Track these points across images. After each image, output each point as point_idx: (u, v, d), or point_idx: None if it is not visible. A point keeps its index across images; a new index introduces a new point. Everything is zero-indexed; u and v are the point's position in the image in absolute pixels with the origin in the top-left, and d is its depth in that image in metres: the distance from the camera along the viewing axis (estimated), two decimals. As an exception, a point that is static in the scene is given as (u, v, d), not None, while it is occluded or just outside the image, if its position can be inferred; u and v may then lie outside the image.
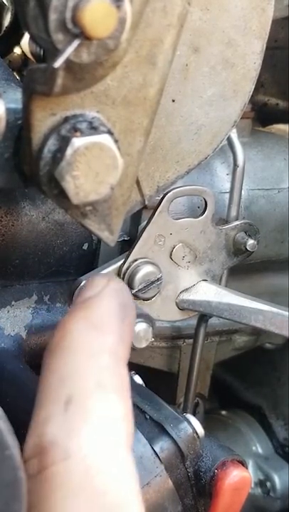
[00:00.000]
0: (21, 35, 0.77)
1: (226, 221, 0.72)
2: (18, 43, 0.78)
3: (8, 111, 0.45)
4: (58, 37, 0.38)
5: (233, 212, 0.72)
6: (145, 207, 0.59)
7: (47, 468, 0.38)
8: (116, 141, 0.44)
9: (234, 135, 0.72)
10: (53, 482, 0.38)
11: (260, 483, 0.96)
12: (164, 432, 0.55)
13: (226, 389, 1.05)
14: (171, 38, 0.45)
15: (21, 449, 0.39)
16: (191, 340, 0.77)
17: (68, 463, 0.39)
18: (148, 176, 0.56)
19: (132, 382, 0.62)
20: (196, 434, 0.56)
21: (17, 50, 0.79)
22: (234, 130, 0.70)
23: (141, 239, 0.63)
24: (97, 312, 0.45)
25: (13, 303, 0.65)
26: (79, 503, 0.38)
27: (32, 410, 0.44)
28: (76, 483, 0.38)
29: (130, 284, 0.62)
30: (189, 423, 0.57)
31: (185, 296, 0.67)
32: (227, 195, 0.73)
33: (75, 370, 0.42)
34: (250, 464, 0.97)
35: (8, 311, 0.65)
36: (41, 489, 0.38)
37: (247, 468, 0.57)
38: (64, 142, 0.43)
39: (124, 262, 0.62)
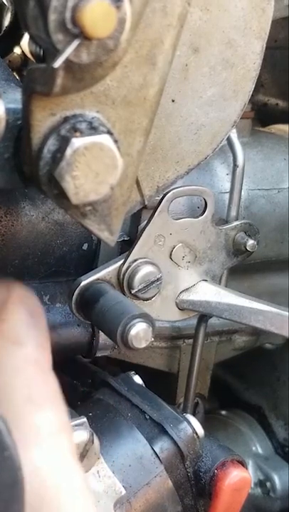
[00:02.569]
0: (21, 35, 0.77)
1: (226, 221, 0.72)
2: (18, 43, 0.78)
3: (8, 111, 0.45)
4: (58, 37, 0.38)
5: (233, 213, 0.72)
6: (145, 207, 0.59)
7: None
8: (116, 141, 0.44)
9: (234, 135, 0.72)
10: None
11: (260, 484, 0.96)
12: (164, 432, 0.55)
13: (226, 389, 1.05)
14: (171, 38, 0.45)
15: None
16: (191, 341, 0.77)
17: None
18: (148, 176, 0.56)
19: (132, 382, 0.62)
20: (196, 434, 0.57)
21: (17, 50, 0.80)
22: (234, 130, 0.70)
23: (141, 239, 0.63)
24: (9, 325, 0.45)
25: (13, 303, 0.65)
26: None
27: None
28: (33, 499, 0.38)
29: (130, 284, 0.62)
30: (189, 423, 0.57)
31: (185, 296, 0.67)
32: (227, 195, 0.73)
33: (4, 388, 0.42)
34: (250, 464, 0.96)
35: (8, 311, 0.65)
36: None
37: (247, 468, 0.57)
38: (64, 142, 0.43)
39: (124, 262, 0.62)
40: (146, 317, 0.54)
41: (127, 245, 0.68)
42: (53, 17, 0.37)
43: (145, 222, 0.64)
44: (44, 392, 0.43)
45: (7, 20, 0.72)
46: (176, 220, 0.64)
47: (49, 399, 0.43)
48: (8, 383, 0.43)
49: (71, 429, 0.44)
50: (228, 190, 0.73)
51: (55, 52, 0.39)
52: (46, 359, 0.45)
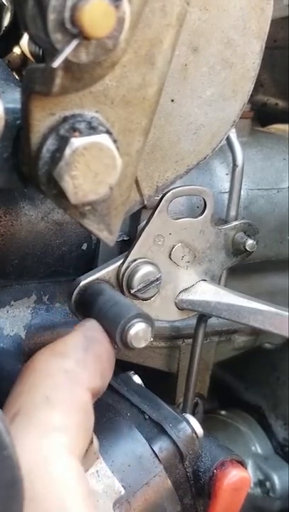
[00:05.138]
0: (21, 35, 0.77)
1: (225, 221, 0.72)
2: (17, 43, 0.78)
3: (7, 111, 0.45)
4: (57, 37, 0.38)
5: (233, 212, 0.72)
6: (144, 207, 0.59)
7: None
8: (115, 141, 0.44)
9: (233, 135, 0.72)
10: None
11: (260, 483, 0.96)
12: (163, 432, 0.55)
13: (225, 389, 1.05)
14: (170, 38, 0.45)
15: None
16: (190, 340, 0.77)
17: None
18: (147, 175, 0.56)
19: (132, 382, 0.62)
20: (195, 434, 0.56)
21: (16, 50, 0.80)
22: (233, 130, 0.70)
23: (140, 239, 0.63)
24: (61, 342, 0.51)
25: (12, 303, 0.65)
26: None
27: None
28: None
29: (129, 284, 0.62)
30: (188, 423, 0.57)
31: (184, 296, 0.67)
32: (226, 195, 0.73)
33: (29, 387, 0.48)
34: (250, 464, 0.96)
35: (8, 311, 0.65)
36: None
37: (246, 468, 0.57)
38: (63, 142, 0.43)
39: (124, 262, 0.62)
40: (145, 317, 0.54)
41: (126, 245, 0.68)
42: (52, 17, 0.37)
43: (144, 222, 0.64)
44: (63, 397, 0.47)
45: (7, 20, 0.72)
46: (176, 219, 0.64)
47: (64, 404, 0.47)
48: (36, 384, 0.48)
49: (80, 434, 0.47)
50: (227, 190, 0.73)
51: (54, 52, 0.39)
52: (85, 378, 0.49)
